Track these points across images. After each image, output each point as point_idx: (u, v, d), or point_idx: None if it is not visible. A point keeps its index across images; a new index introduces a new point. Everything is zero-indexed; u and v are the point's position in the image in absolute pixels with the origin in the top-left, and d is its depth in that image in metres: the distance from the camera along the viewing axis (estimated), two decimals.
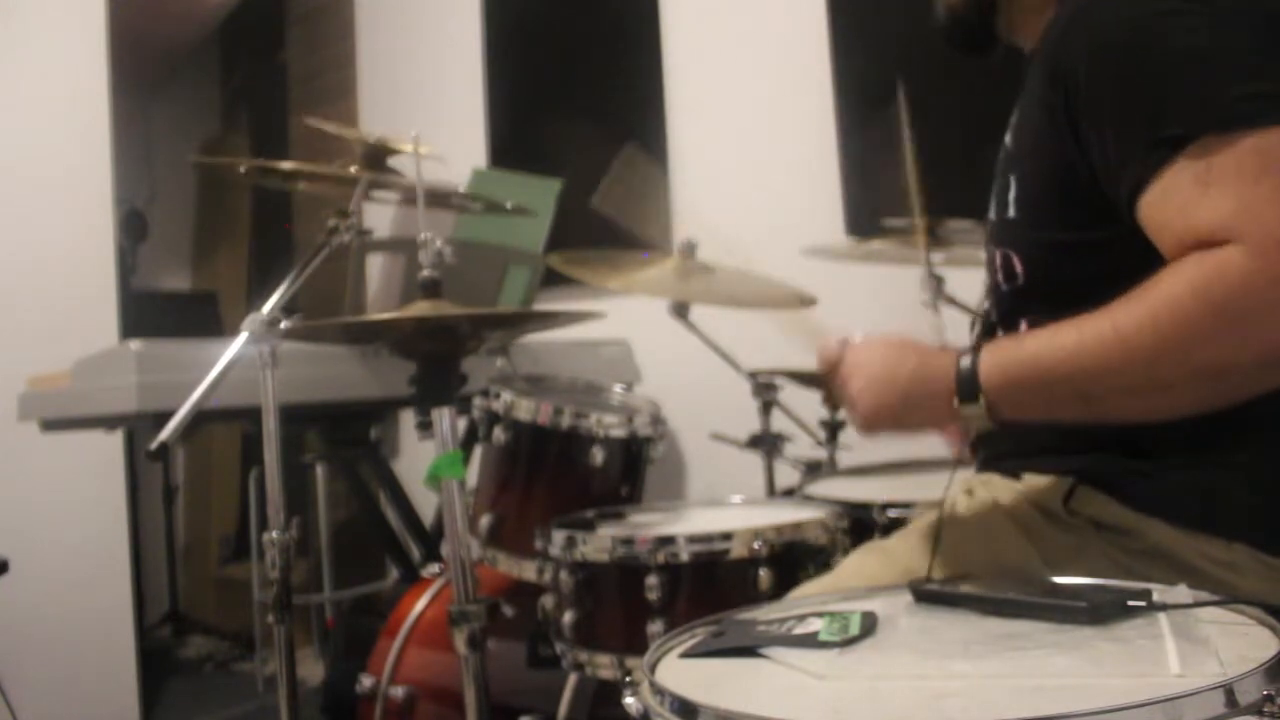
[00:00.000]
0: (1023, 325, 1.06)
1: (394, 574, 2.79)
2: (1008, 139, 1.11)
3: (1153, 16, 0.91)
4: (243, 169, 1.92)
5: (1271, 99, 0.85)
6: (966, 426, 0.97)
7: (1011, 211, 1.08)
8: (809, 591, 1.16)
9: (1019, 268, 1.07)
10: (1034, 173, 1.05)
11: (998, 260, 1.10)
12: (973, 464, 1.21)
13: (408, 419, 2.41)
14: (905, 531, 1.21)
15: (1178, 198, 0.87)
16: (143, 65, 4.69)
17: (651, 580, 1.42)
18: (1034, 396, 0.94)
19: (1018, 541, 1.05)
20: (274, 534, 1.56)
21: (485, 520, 1.86)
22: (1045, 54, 1.00)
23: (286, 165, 1.73)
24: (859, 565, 1.20)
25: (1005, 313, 1.10)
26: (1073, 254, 0.99)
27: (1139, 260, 0.90)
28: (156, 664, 3.58)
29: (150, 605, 4.24)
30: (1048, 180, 1.02)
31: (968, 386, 0.94)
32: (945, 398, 0.95)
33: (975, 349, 0.96)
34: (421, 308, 1.45)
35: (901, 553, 1.15)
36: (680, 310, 2.12)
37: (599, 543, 1.48)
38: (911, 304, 1.98)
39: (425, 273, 1.45)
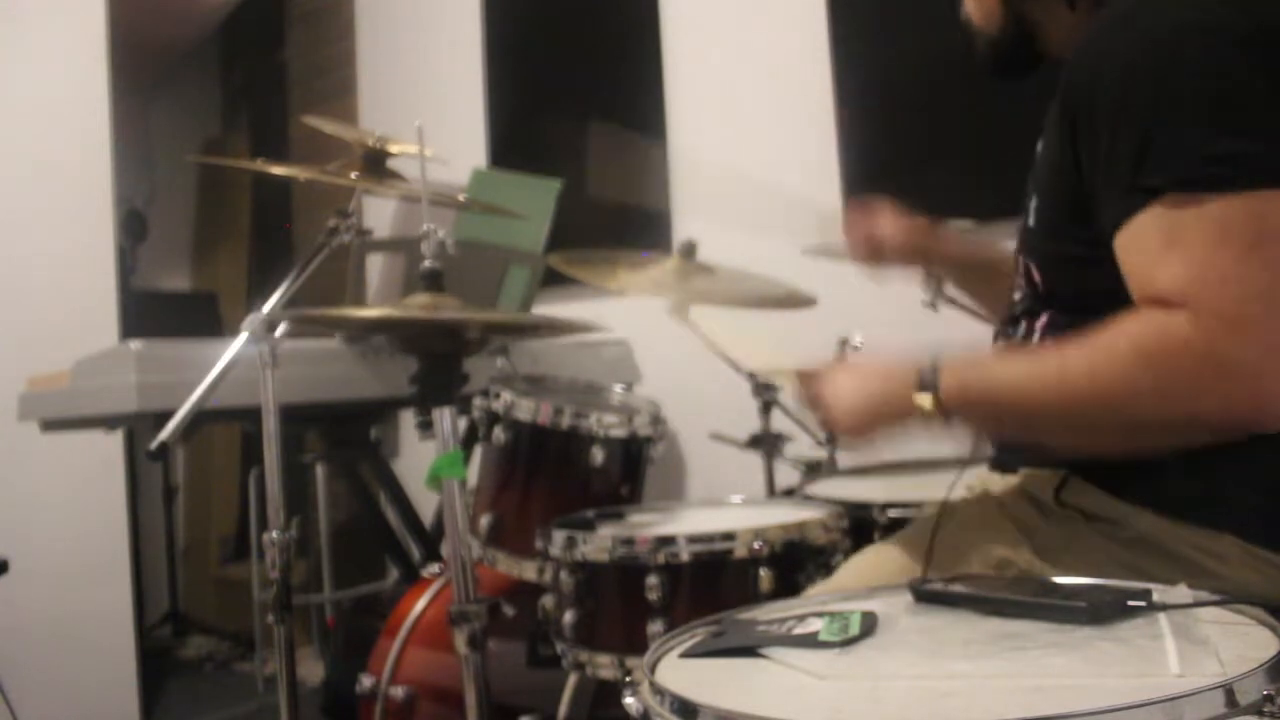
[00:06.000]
0: (1043, 318, 1.08)
1: (394, 574, 2.79)
2: (1039, 146, 1.11)
3: (1155, 56, 0.91)
4: (239, 163, 1.91)
5: (1246, 161, 0.86)
6: (924, 426, 1.01)
7: (1032, 221, 1.09)
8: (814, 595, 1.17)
9: (1037, 277, 1.09)
10: (1050, 186, 1.06)
11: (1021, 267, 1.12)
12: (979, 464, 1.22)
13: (408, 419, 2.41)
14: (904, 530, 1.23)
15: (1144, 249, 0.90)
16: (143, 65, 4.69)
17: (651, 580, 1.42)
18: (982, 412, 1.00)
19: (1011, 533, 1.07)
20: (274, 534, 1.56)
21: (485, 520, 1.86)
22: (1064, 76, 1.01)
23: (286, 170, 1.73)
24: (858, 566, 1.21)
25: (1023, 313, 1.13)
26: (1084, 267, 1.00)
27: (1097, 266, 0.92)
28: (156, 664, 3.58)
29: (150, 605, 4.23)
30: (1060, 195, 1.03)
31: (928, 381, 0.99)
32: (908, 392, 1.00)
33: (936, 360, 1.00)
34: (422, 299, 1.45)
35: (899, 550, 1.17)
36: (680, 310, 2.11)
37: (599, 543, 1.48)
38: (912, 304, 1.98)
39: (427, 264, 1.44)
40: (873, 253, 1.46)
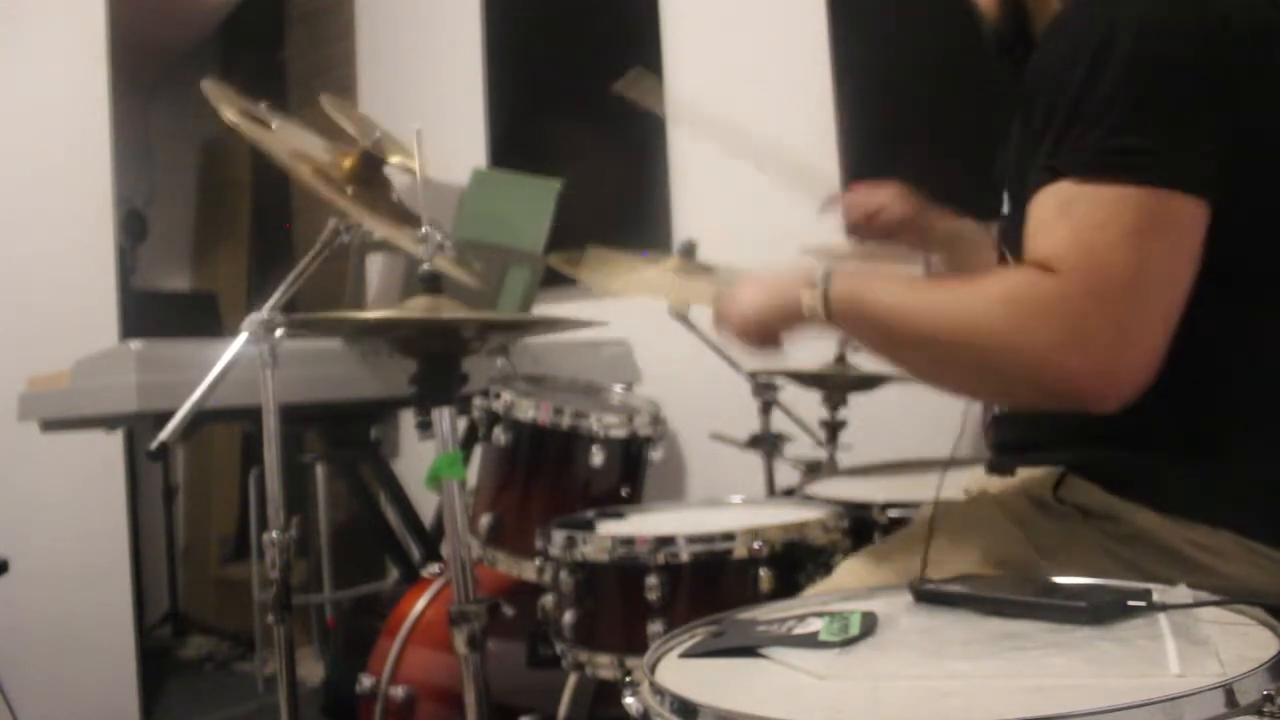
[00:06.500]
0: None
1: (394, 574, 2.79)
2: (1014, 132, 1.12)
3: (1090, 48, 0.94)
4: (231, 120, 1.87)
5: (1146, 158, 0.89)
6: (811, 327, 1.06)
7: (1006, 209, 1.11)
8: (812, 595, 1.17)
9: (1011, 263, 1.09)
10: (1019, 171, 1.07)
11: (1000, 256, 1.14)
12: (974, 465, 1.23)
13: (408, 419, 2.41)
14: (900, 532, 1.23)
15: (1041, 216, 0.94)
16: (143, 65, 4.68)
17: (651, 580, 1.41)
18: (861, 323, 1.03)
19: (1009, 531, 1.08)
20: (274, 534, 1.56)
21: (485, 520, 1.86)
22: (1028, 64, 1.03)
23: (290, 139, 1.71)
24: (854, 567, 1.21)
25: None
26: None
27: None
28: (156, 664, 3.58)
29: (150, 605, 4.23)
30: (1027, 180, 1.04)
31: (817, 284, 1.03)
32: (798, 294, 1.04)
33: (830, 268, 1.04)
34: (422, 303, 1.45)
35: (895, 552, 1.17)
36: (680, 310, 2.12)
37: (599, 543, 1.48)
38: None
39: (426, 266, 1.44)
40: (870, 226, 1.55)
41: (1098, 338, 0.87)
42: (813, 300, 1.03)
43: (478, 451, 1.99)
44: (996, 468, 1.16)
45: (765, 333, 1.11)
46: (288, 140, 1.68)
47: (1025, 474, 1.11)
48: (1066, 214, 0.91)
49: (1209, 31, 0.93)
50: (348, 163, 1.70)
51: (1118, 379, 0.89)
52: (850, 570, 1.21)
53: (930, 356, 0.99)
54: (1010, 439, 1.16)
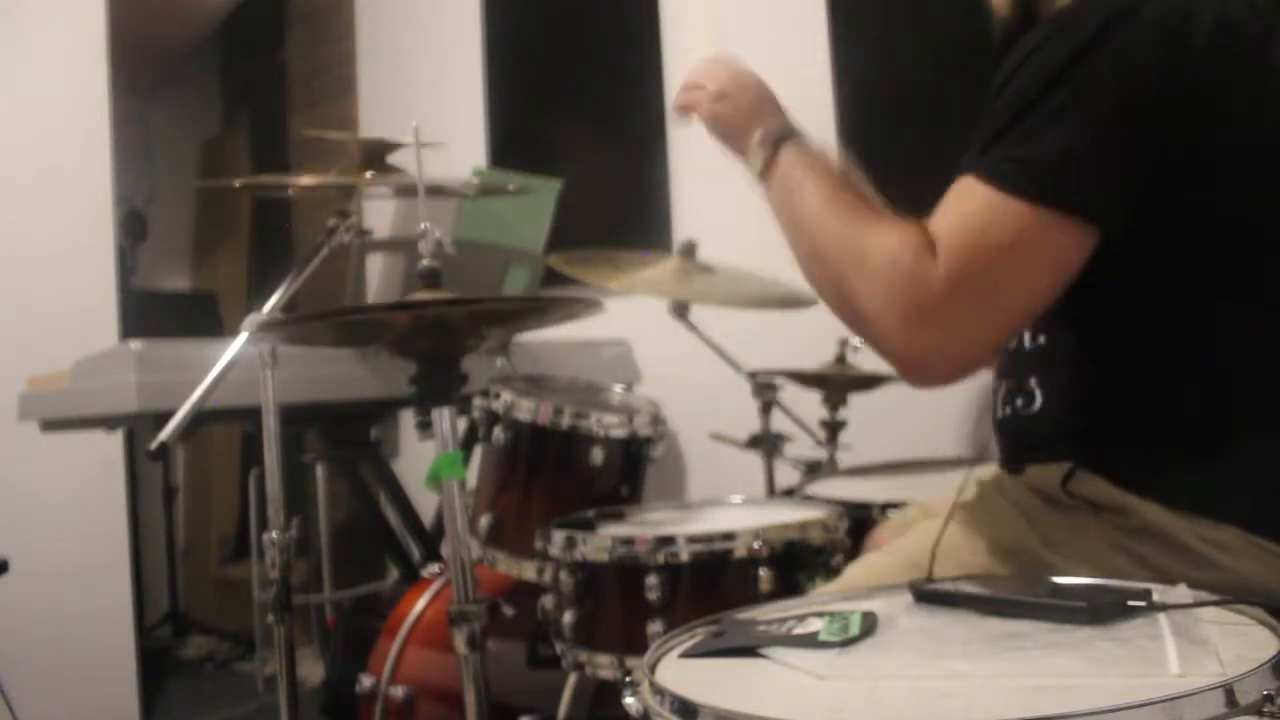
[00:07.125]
0: None
1: (394, 574, 2.79)
2: None
3: (1022, 64, 0.98)
4: (238, 184, 1.92)
5: (1041, 170, 0.92)
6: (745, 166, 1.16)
7: None
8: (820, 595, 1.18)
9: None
10: None
11: None
12: (985, 464, 1.24)
13: (408, 419, 2.40)
14: (912, 531, 1.24)
15: (952, 194, 0.99)
16: (143, 65, 4.68)
17: (651, 580, 1.42)
18: (781, 198, 1.12)
19: (1017, 524, 1.08)
20: (274, 534, 1.56)
21: (485, 520, 1.85)
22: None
23: (285, 179, 1.74)
24: (866, 565, 1.22)
25: None
26: None
27: (1096, 263, 0.95)
28: (156, 664, 3.58)
29: (150, 605, 4.23)
30: None
31: (770, 148, 1.15)
32: (752, 140, 1.18)
33: (793, 133, 1.17)
34: (421, 299, 1.44)
35: (905, 548, 1.18)
36: (680, 310, 2.12)
37: (599, 543, 1.48)
38: None
39: (425, 262, 1.44)
40: None
41: (933, 324, 0.93)
42: (757, 159, 1.14)
43: (478, 451, 1.99)
44: (1007, 466, 1.17)
45: (715, 132, 1.28)
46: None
47: (1034, 470, 1.11)
48: (966, 201, 0.95)
49: (1170, 53, 0.93)
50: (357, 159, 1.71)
51: (930, 367, 0.96)
52: (863, 567, 1.22)
53: (814, 260, 1.06)
54: (1020, 438, 1.16)
